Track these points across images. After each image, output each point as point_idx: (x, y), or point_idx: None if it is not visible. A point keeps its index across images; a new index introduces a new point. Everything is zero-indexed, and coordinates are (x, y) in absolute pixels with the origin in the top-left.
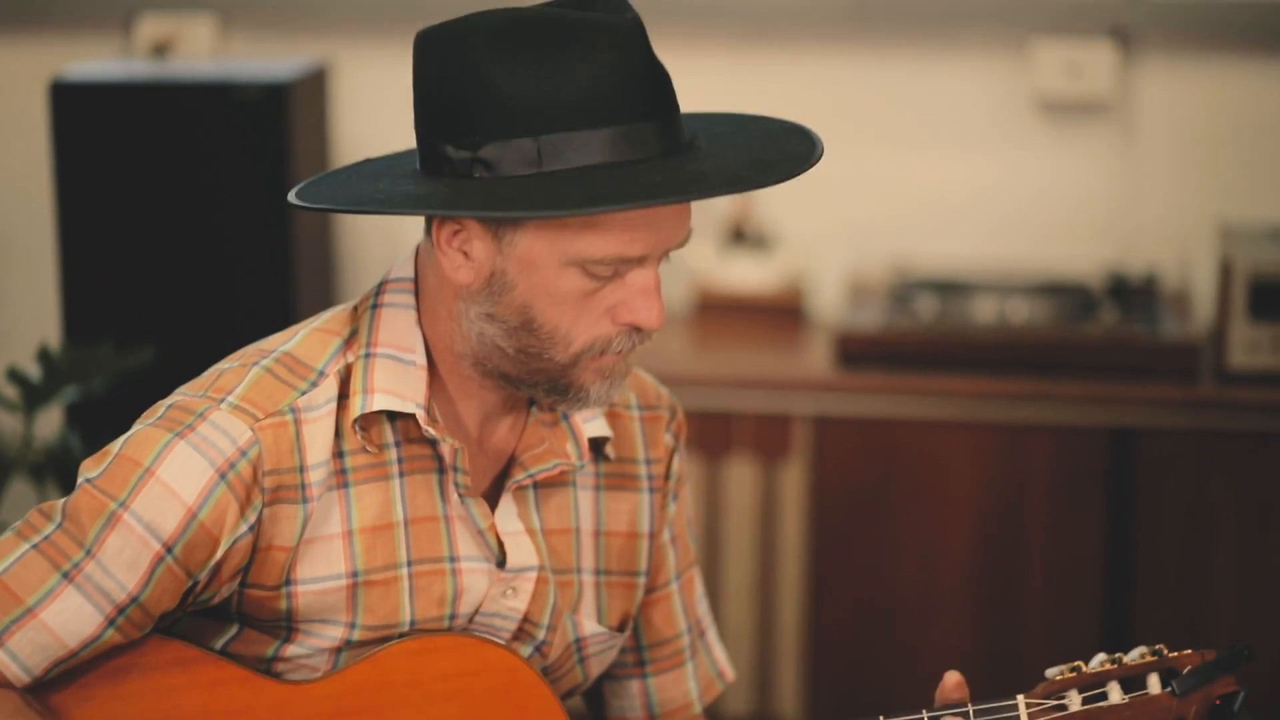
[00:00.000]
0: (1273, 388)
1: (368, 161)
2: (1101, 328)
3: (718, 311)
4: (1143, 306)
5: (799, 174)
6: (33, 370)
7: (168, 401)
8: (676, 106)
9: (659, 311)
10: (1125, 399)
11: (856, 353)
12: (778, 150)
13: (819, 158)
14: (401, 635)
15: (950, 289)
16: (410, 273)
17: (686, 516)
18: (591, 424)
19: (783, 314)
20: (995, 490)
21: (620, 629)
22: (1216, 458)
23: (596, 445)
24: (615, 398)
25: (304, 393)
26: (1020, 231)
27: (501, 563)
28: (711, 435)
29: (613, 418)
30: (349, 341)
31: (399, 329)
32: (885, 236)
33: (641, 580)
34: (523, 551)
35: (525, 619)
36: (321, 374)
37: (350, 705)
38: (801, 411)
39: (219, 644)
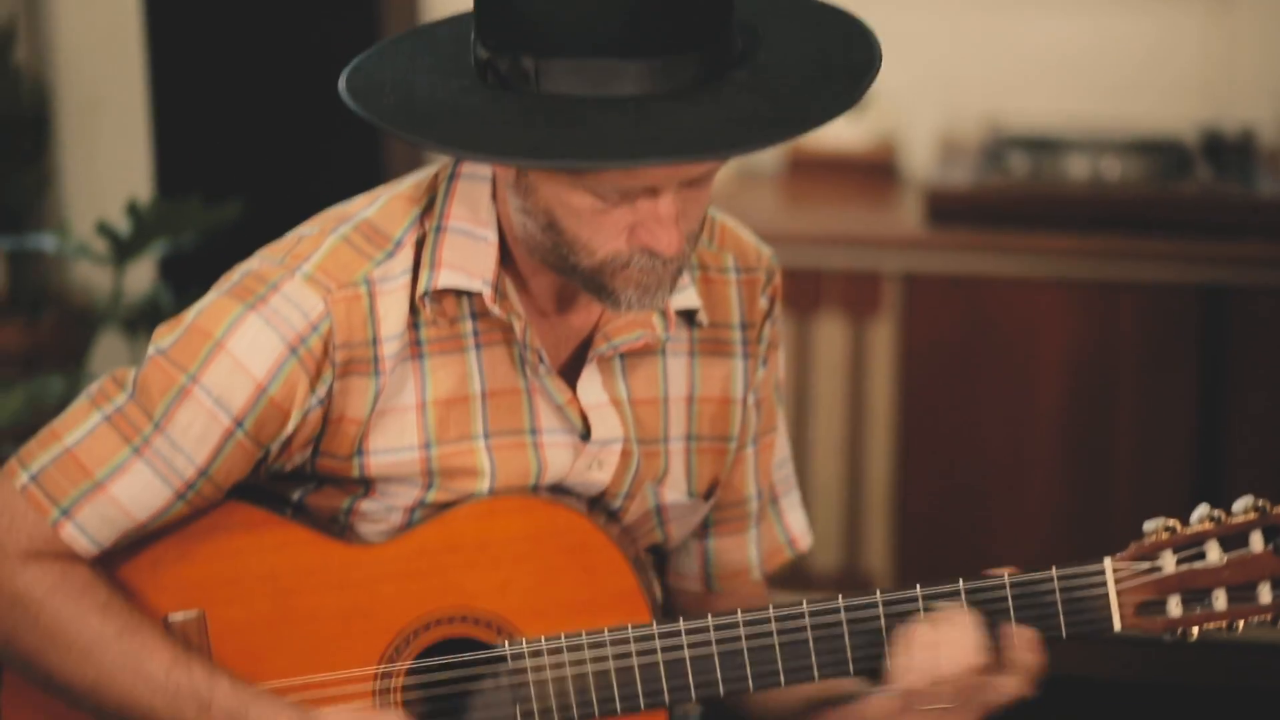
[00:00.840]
0: None
1: (440, 25)
2: (1196, 185)
3: (809, 169)
4: (1238, 164)
5: (802, 134)
6: (122, 224)
7: (244, 267)
8: (709, 34)
9: (675, 240)
10: (1219, 257)
11: (947, 210)
12: (811, 90)
13: (843, 109)
14: (470, 497)
15: (1042, 146)
16: None
17: (775, 381)
18: (681, 295)
19: (874, 171)
20: (1085, 349)
21: (707, 496)
22: None
23: (686, 315)
24: (651, 306)
25: (379, 263)
26: (1115, 89)
27: (586, 436)
28: (801, 293)
29: (708, 282)
30: (427, 210)
31: (473, 203)
32: (978, 94)
33: (732, 446)
34: (607, 424)
35: (601, 494)
36: (398, 244)
37: (417, 567)
38: (891, 269)
39: (295, 495)
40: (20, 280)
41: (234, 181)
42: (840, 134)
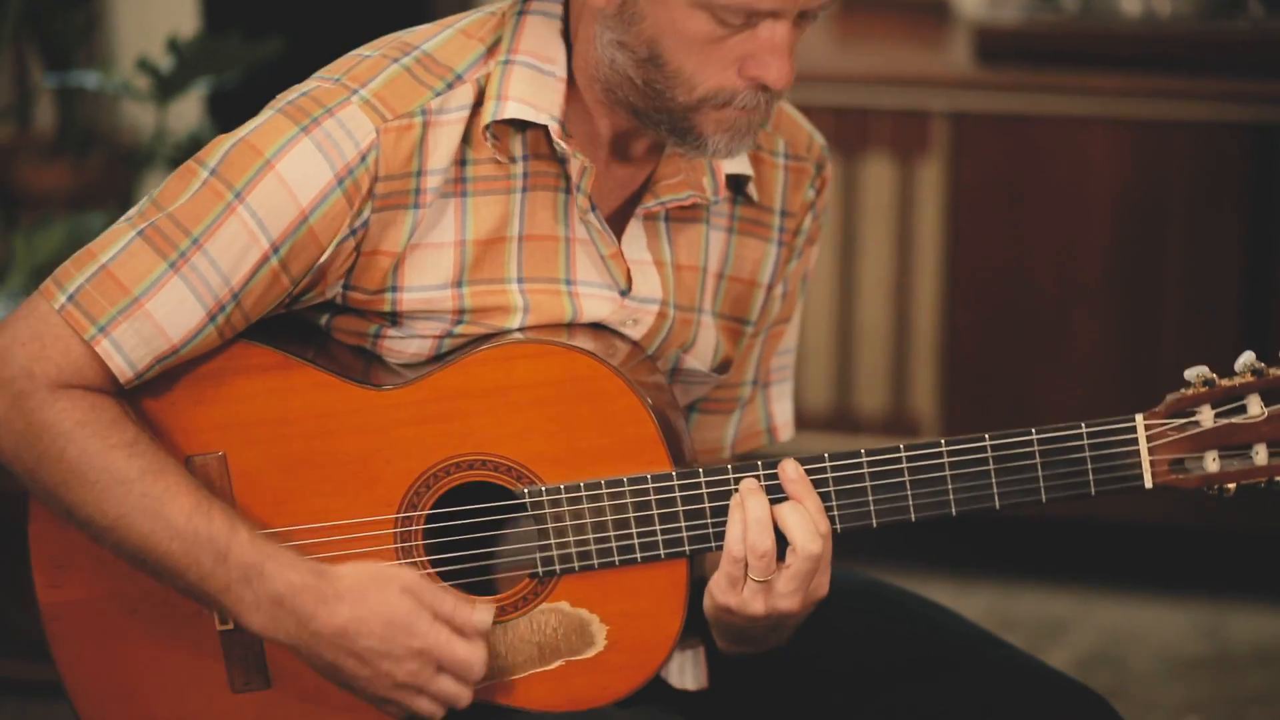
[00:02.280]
0: None
1: None
2: (1247, 22)
3: (858, 6)
4: None
5: None
6: (164, 62)
7: (303, 87)
8: None
9: (787, 72)
10: (1270, 96)
11: (996, 48)
12: None
13: None
14: (494, 337)
15: None
16: None
17: (804, 272)
18: (733, 160)
19: (924, 9)
20: (1135, 188)
21: (720, 370)
22: None
23: (736, 184)
24: (737, 153)
25: (439, 94)
26: None
27: (625, 292)
28: (848, 132)
29: (756, 162)
30: (492, 49)
31: (542, 37)
32: None
33: (748, 329)
34: (649, 282)
35: (635, 345)
36: (459, 78)
37: (434, 411)
38: (939, 108)
39: (323, 320)
40: (68, 120)
41: (277, 18)
42: None
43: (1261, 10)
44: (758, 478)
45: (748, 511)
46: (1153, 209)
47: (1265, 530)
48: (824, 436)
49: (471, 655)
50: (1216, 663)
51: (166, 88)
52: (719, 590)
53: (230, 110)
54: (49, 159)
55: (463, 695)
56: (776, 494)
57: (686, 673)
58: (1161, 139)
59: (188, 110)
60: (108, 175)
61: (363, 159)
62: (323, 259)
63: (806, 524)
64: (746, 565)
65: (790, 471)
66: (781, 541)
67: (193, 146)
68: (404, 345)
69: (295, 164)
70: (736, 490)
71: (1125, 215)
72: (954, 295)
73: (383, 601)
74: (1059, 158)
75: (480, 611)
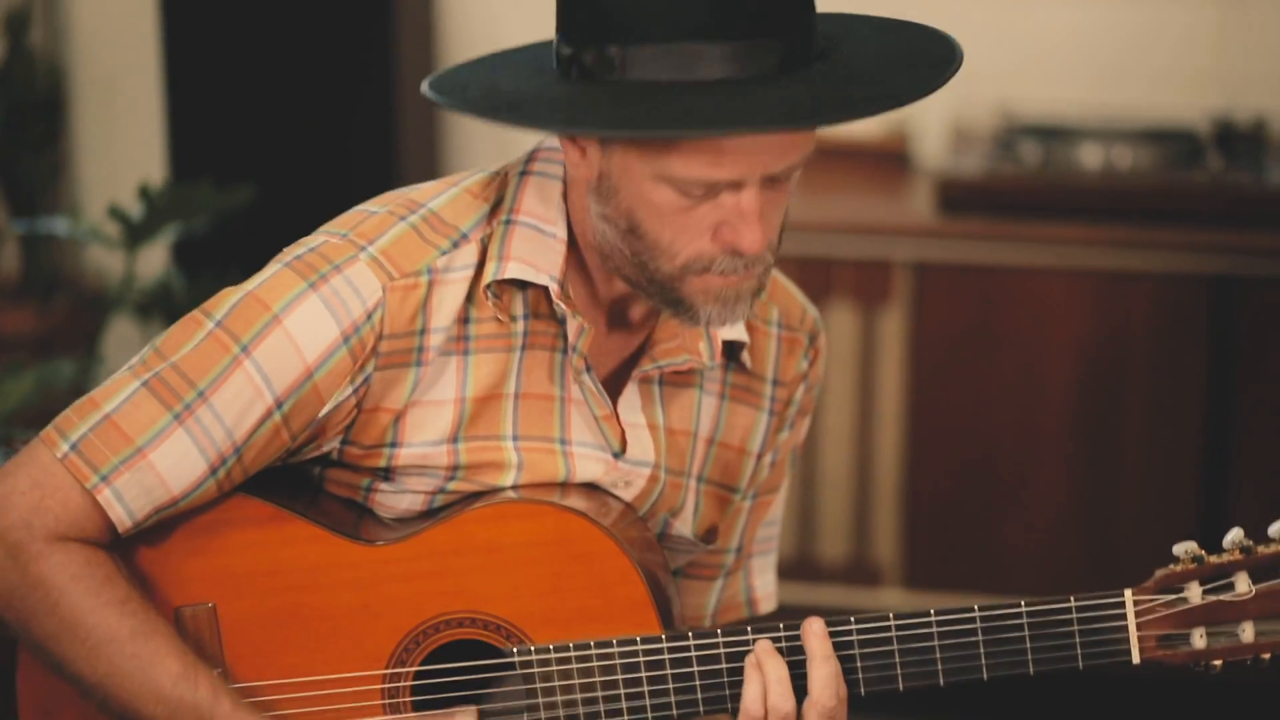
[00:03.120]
0: None
1: (517, 51)
2: (1207, 174)
3: (821, 157)
4: (1249, 153)
5: (892, 109)
6: (134, 208)
7: (310, 242)
8: (792, 22)
9: (759, 237)
10: (1229, 247)
11: (959, 198)
12: (892, 74)
13: (924, 93)
14: (485, 496)
15: (1054, 135)
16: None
17: (795, 444)
18: (729, 327)
19: (886, 160)
20: (1096, 338)
21: (705, 539)
22: None
23: (730, 350)
24: (732, 321)
25: (444, 253)
26: (1126, 77)
27: (619, 454)
28: (813, 281)
29: (750, 330)
30: (495, 208)
31: (543, 199)
32: (990, 82)
33: (736, 497)
34: (643, 445)
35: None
36: (465, 236)
37: (425, 568)
38: (902, 257)
39: (316, 471)
40: (34, 264)
41: (246, 166)
42: (853, 123)
43: (1220, 163)
44: (747, 639)
45: (767, 672)
46: (1114, 358)
47: None
48: (785, 585)
49: None
50: None
51: (136, 234)
52: None
53: (197, 257)
54: (14, 302)
55: None
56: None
57: None
58: (1122, 289)
59: (154, 257)
60: (73, 320)
61: (369, 317)
62: (323, 414)
63: (829, 679)
64: None
65: (815, 628)
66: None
67: (160, 293)
68: (396, 500)
69: (302, 320)
70: (724, 655)
71: (1086, 364)
72: (916, 443)
73: None
74: (1021, 307)
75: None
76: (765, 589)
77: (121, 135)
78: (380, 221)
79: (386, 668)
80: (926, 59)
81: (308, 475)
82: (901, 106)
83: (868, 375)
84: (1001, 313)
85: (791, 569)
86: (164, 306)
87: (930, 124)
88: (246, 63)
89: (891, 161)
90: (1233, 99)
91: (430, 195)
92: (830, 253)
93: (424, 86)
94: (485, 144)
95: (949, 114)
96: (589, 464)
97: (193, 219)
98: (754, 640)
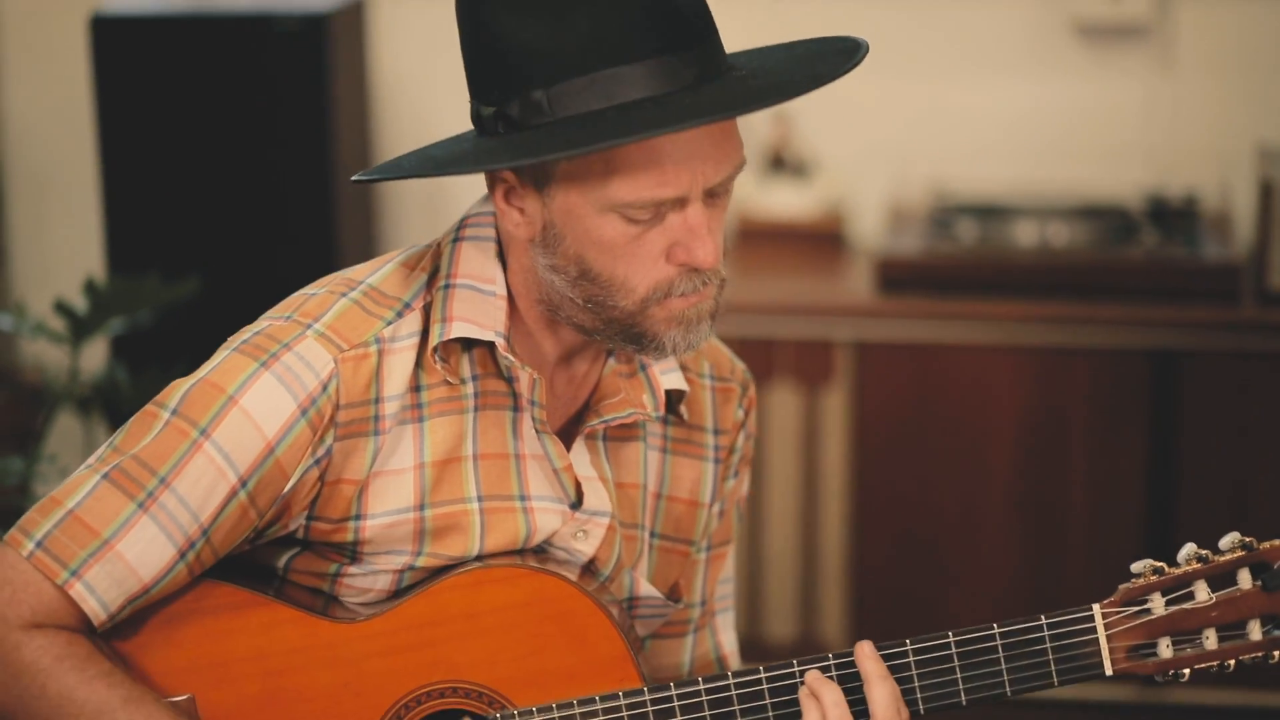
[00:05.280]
0: None
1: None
2: (1142, 250)
3: (758, 238)
4: (1183, 229)
5: (816, 89)
6: (78, 302)
7: (255, 327)
8: (702, 35)
9: (713, 250)
10: (1166, 321)
11: (897, 278)
12: (808, 68)
13: (828, 80)
14: (456, 567)
15: (990, 213)
16: (491, 209)
17: (740, 496)
18: (669, 376)
19: (823, 240)
20: (1037, 414)
21: (671, 597)
22: (1259, 379)
23: (670, 401)
24: (698, 344)
25: (389, 323)
26: (1059, 155)
27: (576, 505)
28: (753, 362)
29: (687, 382)
30: (433, 277)
31: (478, 261)
32: (924, 162)
33: (693, 551)
34: (599, 497)
35: (591, 563)
36: (408, 306)
37: (405, 641)
38: (843, 337)
39: (281, 561)
40: None
41: (186, 258)
42: (788, 203)
43: (1155, 237)
44: (728, 685)
45: (824, 698)
46: (1055, 433)
47: None
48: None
49: None
50: None
51: (81, 328)
52: None
53: (138, 350)
54: None
55: None
56: (748, 702)
57: None
58: (1062, 365)
59: (94, 351)
60: (13, 414)
61: (324, 388)
62: (287, 489)
63: (889, 698)
64: None
65: (867, 650)
66: None
67: (105, 387)
68: (365, 583)
69: (259, 397)
70: (707, 703)
71: (1028, 439)
72: (860, 520)
73: None
74: (961, 384)
75: None
76: (730, 646)
77: (58, 229)
78: (322, 300)
79: None
80: (835, 50)
81: (273, 570)
82: (825, 84)
83: (811, 454)
84: (942, 390)
85: (740, 648)
86: (108, 401)
87: (867, 204)
88: (183, 154)
89: (828, 242)
90: (1163, 174)
91: (367, 272)
92: (771, 333)
93: (354, 178)
94: (421, 228)
95: (885, 194)
96: (548, 517)
97: (138, 312)
98: (801, 672)
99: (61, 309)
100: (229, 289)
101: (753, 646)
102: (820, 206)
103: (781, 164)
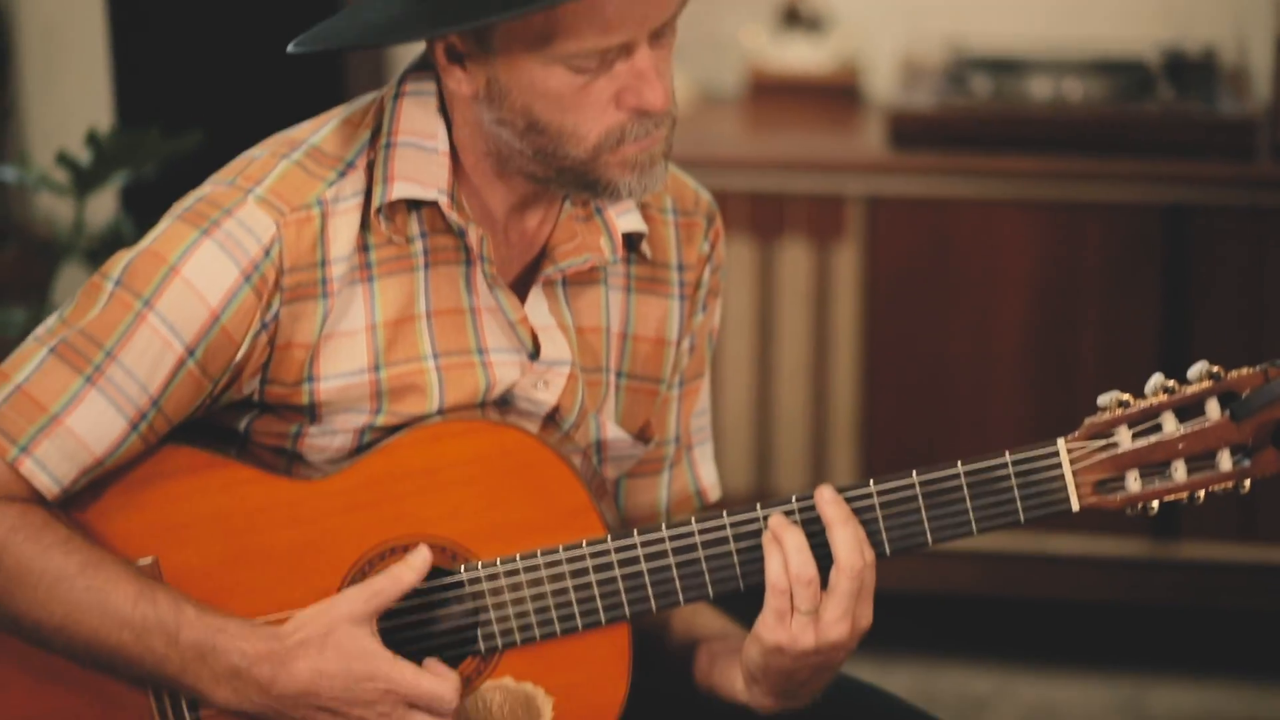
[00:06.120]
0: None
1: None
2: (1158, 105)
3: (771, 93)
4: (1199, 83)
5: None
6: (82, 155)
7: (197, 193)
8: None
9: (662, 93)
10: (1181, 177)
11: (910, 133)
12: None
13: None
14: (415, 422)
15: (1005, 68)
16: (431, 63)
17: (711, 328)
18: (626, 218)
19: (836, 95)
20: (1049, 270)
21: (641, 437)
22: (1273, 235)
23: (629, 243)
24: (654, 187)
25: (332, 184)
26: (1076, 9)
27: (534, 355)
28: (764, 218)
29: (647, 220)
30: (375, 135)
31: (420, 117)
32: (939, 16)
33: (662, 388)
34: (556, 345)
35: (554, 411)
36: (350, 165)
37: (367, 497)
38: (855, 192)
39: (241, 424)
40: None
41: (194, 111)
42: (802, 57)
43: (1171, 92)
44: (692, 533)
45: (786, 542)
46: (1067, 290)
47: (1185, 605)
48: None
49: (438, 687)
50: None
51: (85, 181)
52: (767, 629)
53: (146, 203)
54: None
55: None
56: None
57: None
58: (1075, 221)
59: (104, 203)
60: (22, 267)
61: (266, 253)
62: (238, 357)
63: (851, 541)
64: (792, 596)
65: (827, 494)
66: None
67: (111, 239)
68: (325, 442)
69: (200, 266)
70: (671, 551)
71: (1040, 296)
72: (871, 377)
73: (338, 648)
74: (974, 240)
75: (414, 558)
76: (710, 478)
77: (67, 82)
78: (264, 164)
79: None
80: None
81: (234, 433)
82: None
83: (822, 310)
84: (954, 245)
85: (751, 496)
86: (114, 253)
87: (881, 58)
88: (191, 6)
89: (842, 96)
90: (1181, 30)
91: (310, 131)
92: (782, 189)
93: (290, 47)
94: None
95: (899, 48)
96: (506, 370)
97: (142, 165)
98: (765, 516)
99: (64, 161)
100: (236, 141)
101: (763, 500)
102: (834, 61)
103: (796, 18)
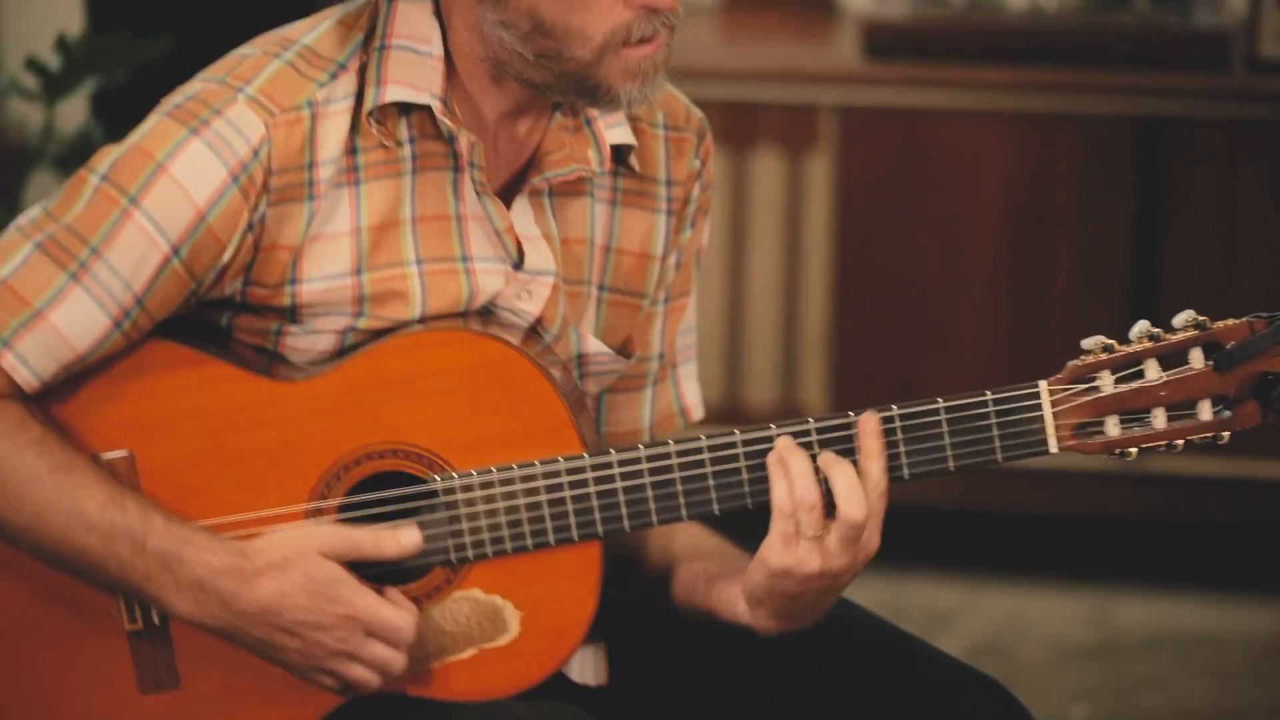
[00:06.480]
0: None
1: None
2: (1133, 16)
3: (746, 3)
4: None
5: None
6: (52, 60)
7: (187, 90)
8: None
9: None
10: (1156, 89)
11: (884, 43)
12: None
13: None
14: (399, 328)
15: None
16: None
17: (699, 246)
18: (615, 130)
19: (811, 4)
20: (1023, 181)
21: (623, 352)
22: (1247, 147)
23: (618, 156)
24: (653, 96)
25: (323, 85)
26: None
27: (518, 265)
28: (738, 128)
29: (637, 134)
30: (368, 37)
31: (415, 20)
32: None
33: (646, 303)
34: (541, 255)
35: (537, 322)
36: (342, 67)
37: (343, 401)
38: (828, 102)
39: (223, 320)
40: None
41: (163, 17)
42: None
43: (1147, 4)
44: (669, 454)
45: (791, 467)
46: (1040, 202)
47: (1151, 517)
48: (713, 429)
49: (399, 618)
50: (1105, 650)
51: (55, 87)
52: (774, 552)
53: (117, 110)
54: None
55: (395, 660)
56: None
57: (587, 668)
58: (1049, 132)
59: (74, 110)
60: None
61: (255, 154)
62: (224, 257)
63: (853, 484)
64: (797, 521)
65: (871, 425)
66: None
67: (81, 145)
68: (307, 343)
69: (188, 165)
70: (648, 471)
71: (1013, 208)
72: (843, 289)
73: (303, 572)
74: (947, 151)
75: (405, 536)
76: (693, 397)
77: None
78: (256, 63)
79: (309, 503)
80: None
81: (215, 326)
82: None
83: (794, 220)
84: (928, 156)
85: (719, 413)
86: (84, 158)
87: None
88: None
89: (816, 6)
90: None
91: (303, 31)
92: (755, 98)
93: None
94: None
95: None
96: (490, 278)
97: (112, 71)
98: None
99: (33, 66)
100: (205, 47)
101: (733, 412)
102: None
103: None
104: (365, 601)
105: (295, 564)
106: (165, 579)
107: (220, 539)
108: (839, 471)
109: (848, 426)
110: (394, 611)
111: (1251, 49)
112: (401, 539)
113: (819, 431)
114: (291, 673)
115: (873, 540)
